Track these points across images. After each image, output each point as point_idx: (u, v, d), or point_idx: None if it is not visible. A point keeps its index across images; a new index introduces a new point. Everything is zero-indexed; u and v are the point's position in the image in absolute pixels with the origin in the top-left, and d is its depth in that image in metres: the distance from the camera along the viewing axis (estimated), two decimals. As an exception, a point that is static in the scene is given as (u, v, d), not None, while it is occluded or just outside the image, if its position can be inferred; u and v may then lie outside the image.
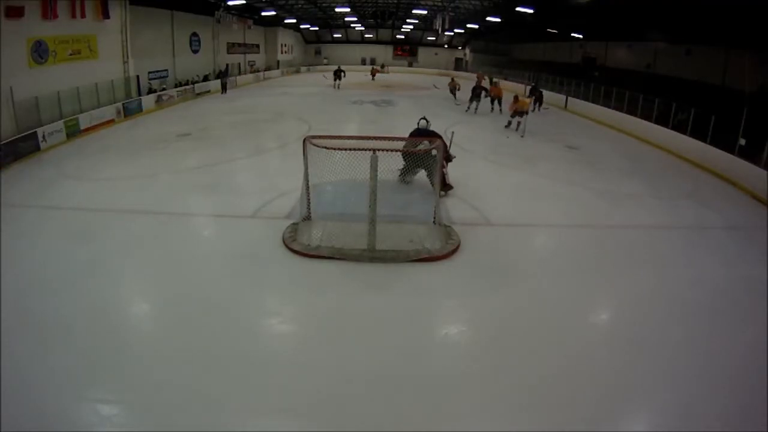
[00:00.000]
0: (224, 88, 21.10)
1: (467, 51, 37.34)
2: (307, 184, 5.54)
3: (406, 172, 7.21)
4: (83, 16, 12.11)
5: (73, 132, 11.14)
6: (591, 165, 9.60)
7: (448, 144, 7.29)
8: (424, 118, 7.54)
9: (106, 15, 13.03)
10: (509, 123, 12.70)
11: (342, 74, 23.78)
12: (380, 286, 4.63)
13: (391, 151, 5.20)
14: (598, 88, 16.35)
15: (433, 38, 37.78)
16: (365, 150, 4.94)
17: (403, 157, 6.67)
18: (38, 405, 3.00)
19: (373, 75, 28.91)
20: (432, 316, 4.22)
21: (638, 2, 14.76)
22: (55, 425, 2.86)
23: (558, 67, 22.33)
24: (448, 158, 7.12)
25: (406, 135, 6.98)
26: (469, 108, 15.35)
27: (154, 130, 12.25)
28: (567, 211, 6.81)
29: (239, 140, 10.97)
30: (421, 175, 7.04)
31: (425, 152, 6.33)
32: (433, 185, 6.34)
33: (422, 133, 7.14)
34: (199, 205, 6.72)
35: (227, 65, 24.20)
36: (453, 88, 18.60)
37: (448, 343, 3.90)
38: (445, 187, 6.94)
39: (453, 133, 8.44)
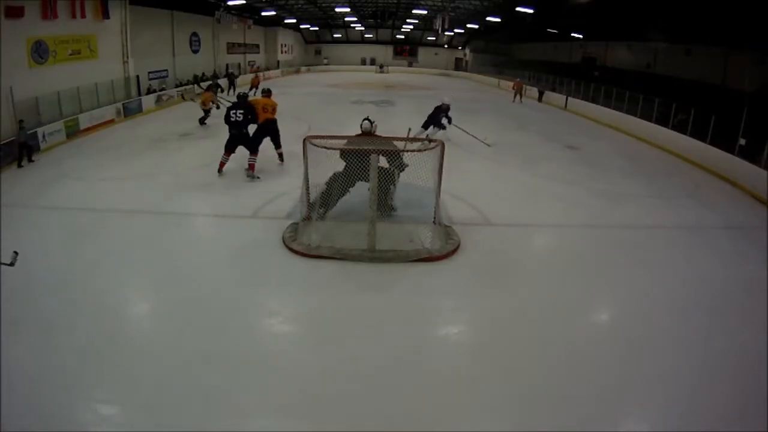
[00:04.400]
0: (23, 155, 8.62)
1: (467, 51, 37.37)
2: (307, 184, 5.54)
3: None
4: (83, 16, 12.10)
5: (73, 132, 11.13)
6: (591, 165, 9.60)
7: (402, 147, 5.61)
8: (367, 119, 5.98)
9: (106, 15, 13.02)
10: None
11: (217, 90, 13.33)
12: (380, 286, 4.63)
13: (391, 151, 5.20)
14: (598, 88, 16.37)
15: (433, 38, 37.81)
16: (365, 150, 4.94)
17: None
18: (38, 405, 3.00)
19: (255, 85, 18.09)
20: (432, 316, 4.22)
21: (638, 2, 14.78)
22: (55, 425, 2.85)
23: (558, 66, 22.37)
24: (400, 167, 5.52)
25: (406, 135, 6.27)
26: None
27: (154, 130, 12.24)
28: (567, 210, 6.81)
29: (239, 140, 10.94)
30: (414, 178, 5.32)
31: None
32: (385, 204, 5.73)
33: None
34: (199, 205, 6.71)
35: (213, 73, 20.79)
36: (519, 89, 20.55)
37: (447, 343, 3.90)
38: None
39: (410, 129, 6.93)
